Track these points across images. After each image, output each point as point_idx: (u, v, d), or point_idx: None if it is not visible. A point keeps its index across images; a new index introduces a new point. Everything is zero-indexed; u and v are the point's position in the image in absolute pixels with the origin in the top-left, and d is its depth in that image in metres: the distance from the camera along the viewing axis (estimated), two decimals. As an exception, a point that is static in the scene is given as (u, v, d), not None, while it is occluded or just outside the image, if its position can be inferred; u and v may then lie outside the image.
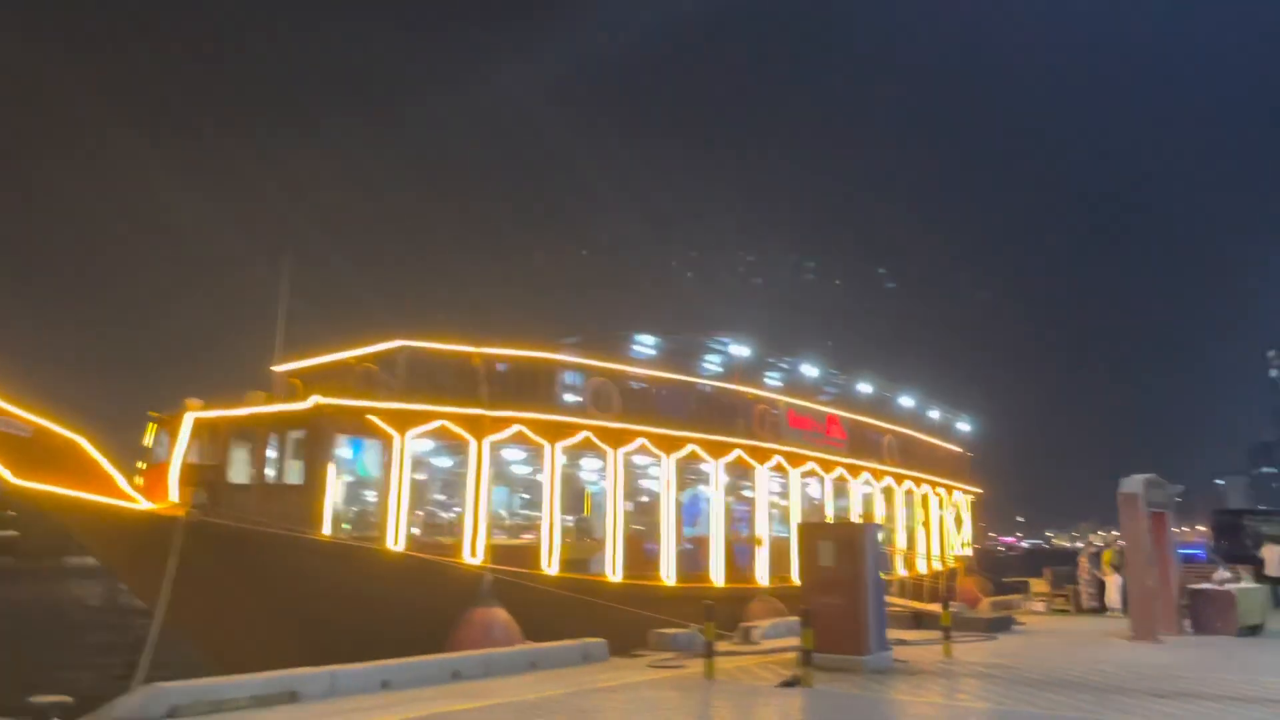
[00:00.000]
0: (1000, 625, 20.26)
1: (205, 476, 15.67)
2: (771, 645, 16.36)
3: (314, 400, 16.15)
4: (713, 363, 25.85)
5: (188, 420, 15.73)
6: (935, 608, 21.11)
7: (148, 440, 17.06)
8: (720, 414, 21.80)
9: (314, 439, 16.17)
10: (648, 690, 11.55)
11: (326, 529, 15.86)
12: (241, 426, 16.34)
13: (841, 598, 13.75)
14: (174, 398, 16.37)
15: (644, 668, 13.86)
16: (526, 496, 22.37)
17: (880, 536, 15.70)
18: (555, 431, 18.16)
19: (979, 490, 35.21)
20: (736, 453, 21.57)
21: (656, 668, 13.85)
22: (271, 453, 16.82)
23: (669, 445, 20.09)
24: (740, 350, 23.17)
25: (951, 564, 31.29)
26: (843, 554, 13.90)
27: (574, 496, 23.57)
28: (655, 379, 20.74)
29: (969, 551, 33.79)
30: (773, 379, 27.93)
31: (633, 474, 23.39)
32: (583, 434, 18.52)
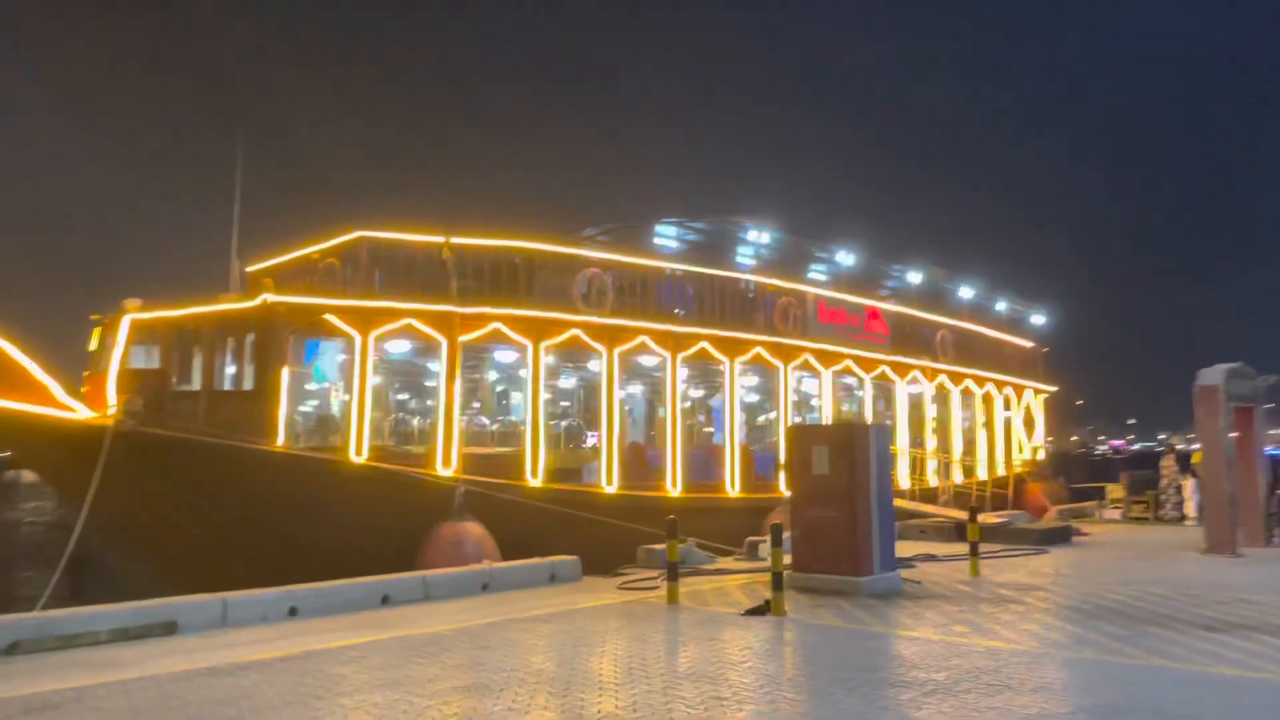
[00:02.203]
0: (1055, 537, 17.99)
1: (147, 382, 14.36)
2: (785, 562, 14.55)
3: (263, 298, 14.62)
4: (743, 255, 23.63)
5: (125, 323, 14.39)
6: (982, 518, 18.97)
7: (93, 345, 15.84)
8: (738, 308, 19.65)
9: (265, 341, 14.71)
10: (587, 619, 9.86)
11: (280, 439, 14.48)
12: (185, 328, 14.95)
13: (837, 510, 11.76)
14: (125, 299, 15.01)
15: (613, 589, 12.21)
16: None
17: (904, 442, 13.56)
18: (539, 330, 16.34)
19: (1053, 388, 32.27)
20: (756, 350, 19.45)
21: (626, 589, 12.18)
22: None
23: (675, 343, 18.09)
24: (762, 237, 20.80)
25: (1018, 469, 28.77)
26: (839, 459, 11.85)
27: (581, 403, 21.94)
28: (658, 271, 18.66)
29: (1041, 455, 31.12)
30: (816, 271, 25.58)
31: (643, 378, 21.62)
32: (571, 332, 16.65)
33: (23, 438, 13.71)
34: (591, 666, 7.54)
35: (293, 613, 10.21)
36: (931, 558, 15.26)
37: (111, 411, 13.69)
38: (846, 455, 11.83)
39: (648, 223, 22.30)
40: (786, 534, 14.36)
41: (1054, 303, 34.80)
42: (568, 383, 22.91)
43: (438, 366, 20.60)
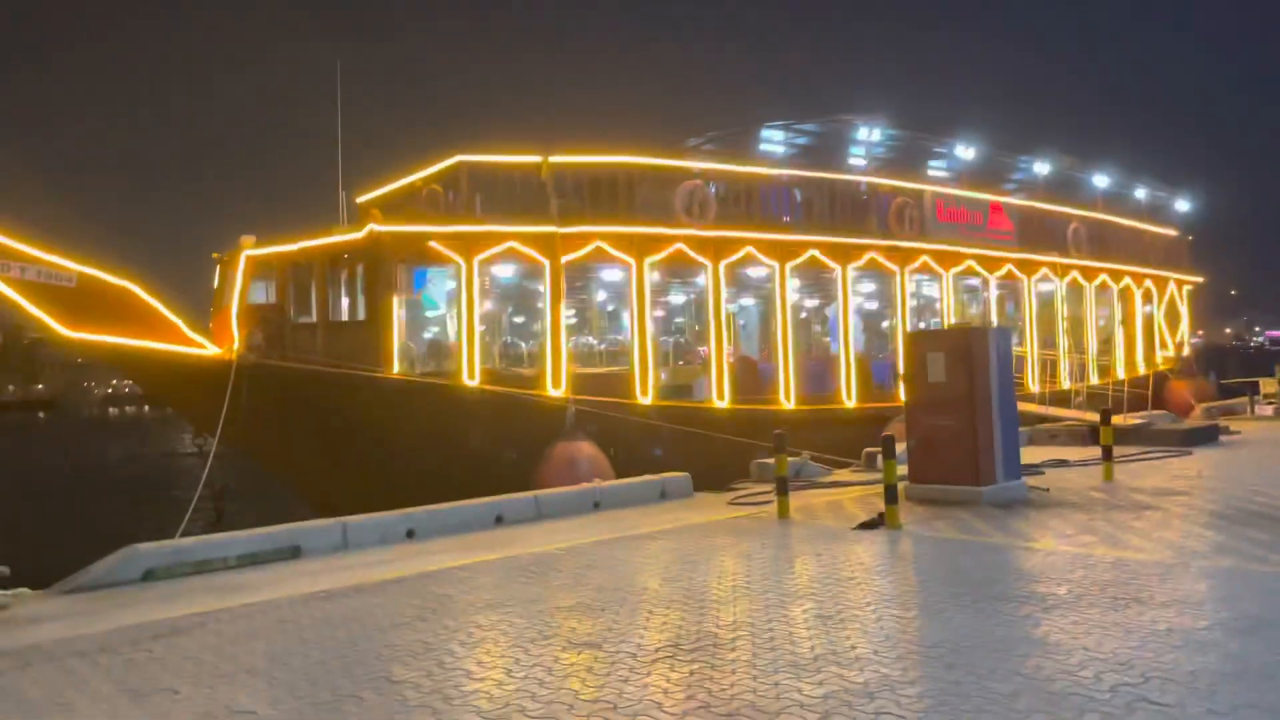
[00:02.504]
0: (1201, 437, 16.91)
1: (266, 316, 14.86)
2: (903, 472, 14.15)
3: (369, 229, 14.83)
4: (855, 155, 22.65)
5: (242, 259, 14.85)
6: (1118, 419, 17.98)
7: (216, 283, 16.45)
8: (850, 212, 18.87)
9: (373, 270, 14.97)
10: (695, 536, 9.77)
11: (395, 366, 14.81)
12: (298, 262, 15.32)
13: (954, 419, 11.27)
14: (242, 236, 15.47)
15: (724, 505, 12.11)
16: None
17: (1021, 342, 12.81)
18: (641, 246, 16.08)
19: (1199, 279, 30.11)
20: (869, 255, 18.71)
21: (737, 504, 12.07)
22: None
23: (782, 253, 17.55)
24: (873, 135, 19.79)
25: (1161, 367, 27.12)
26: (956, 366, 11.29)
27: (692, 319, 21.73)
28: (762, 177, 18.01)
29: (1186, 351, 29.24)
30: (935, 168, 24.34)
31: (756, 289, 21.14)
32: (674, 246, 16.32)
33: (158, 375, 14.42)
34: (695, 584, 7.44)
35: (410, 535, 10.49)
36: (1063, 463, 14.56)
37: (235, 347, 14.24)
38: (964, 361, 11.26)
39: (753, 128, 21.58)
40: (901, 445, 13.99)
41: (1199, 186, 32.30)
42: (678, 299, 22.67)
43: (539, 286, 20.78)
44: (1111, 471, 12.52)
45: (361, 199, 18.21)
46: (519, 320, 20.83)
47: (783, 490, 10.81)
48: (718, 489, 13.44)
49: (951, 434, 11.28)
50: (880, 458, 14.53)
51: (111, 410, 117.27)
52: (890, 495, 9.80)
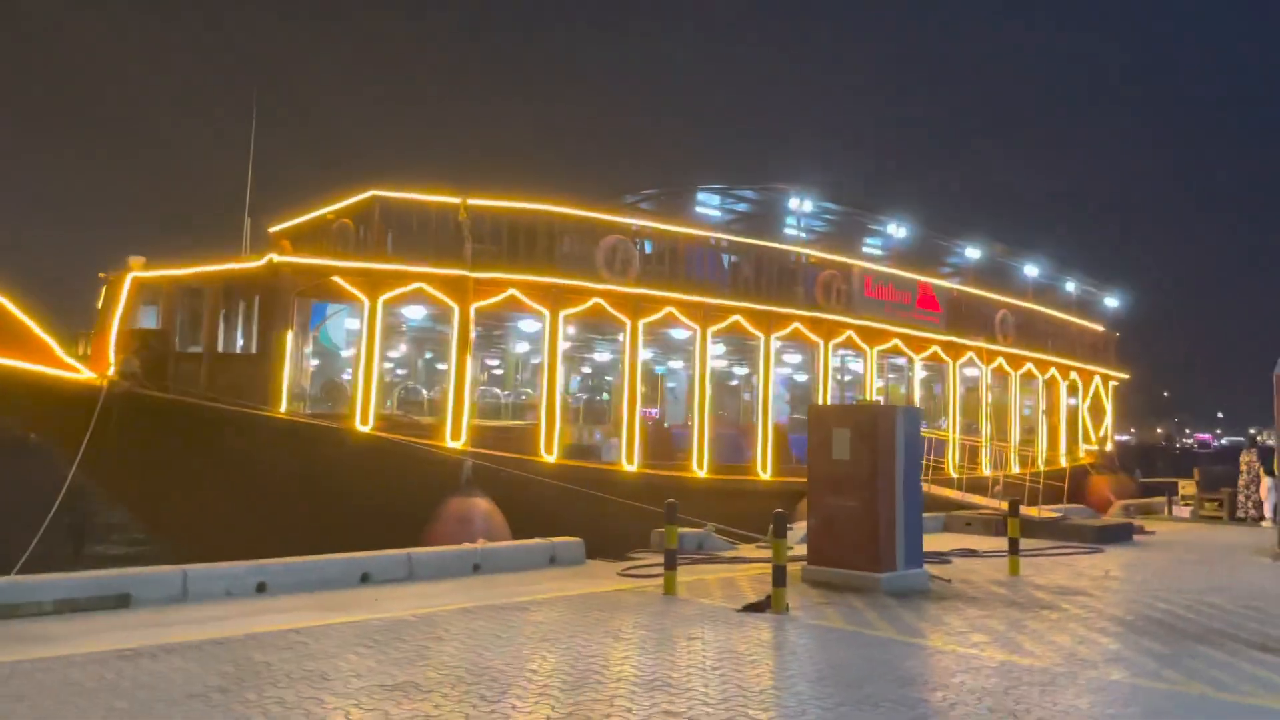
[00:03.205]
0: (1114, 535, 16.63)
1: (146, 343, 13.94)
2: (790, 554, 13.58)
3: (268, 259, 14.08)
4: (791, 226, 22.53)
5: (128, 281, 13.97)
6: (1033, 511, 17.69)
7: (100, 304, 15.48)
8: (776, 281, 18.55)
9: (269, 302, 14.16)
10: (569, 609, 9.05)
11: (283, 405, 13.95)
12: (190, 288, 14.48)
13: (856, 499, 10.75)
14: (130, 256, 14.59)
15: (613, 575, 11.39)
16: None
17: (931, 422, 12.40)
18: (558, 297, 15.51)
19: (1125, 376, 30.38)
20: (794, 326, 18.36)
21: (626, 576, 11.35)
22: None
23: (705, 316, 17.10)
24: (804, 205, 19.60)
25: (1083, 460, 27.12)
26: (861, 444, 10.80)
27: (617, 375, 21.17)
28: (688, 237, 17.65)
29: (1109, 446, 29.35)
30: (871, 245, 24.31)
31: (685, 353, 20.68)
32: (592, 301, 15.79)
33: (21, 398, 13.37)
34: (544, 667, 6.73)
35: (260, 589, 9.59)
36: (971, 553, 14.13)
37: (110, 372, 13.28)
38: (869, 439, 10.78)
39: (689, 190, 21.34)
40: (799, 524, 13.42)
41: (1130, 285, 32.81)
42: (604, 356, 22.12)
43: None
44: (1017, 565, 12.08)
45: (274, 228, 17.44)
46: (432, 366, 20.12)
47: (670, 565, 10.15)
48: (614, 557, 12.72)
49: (852, 515, 10.76)
50: (791, 534, 14.02)
51: None
52: (778, 577, 9.19)
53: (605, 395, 20.56)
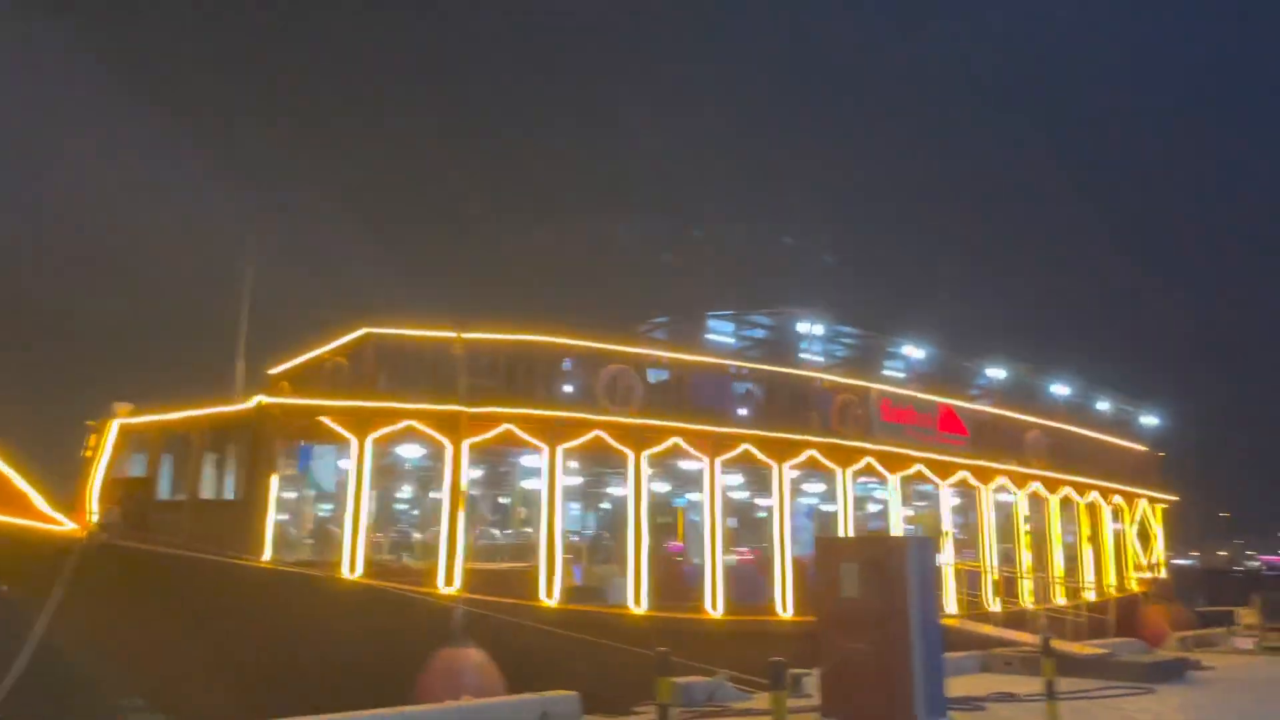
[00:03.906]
0: (1167, 672, 15.23)
1: (130, 492, 13.50)
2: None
3: (256, 401, 13.72)
4: (810, 351, 21.98)
5: (113, 428, 13.64)
6: (1077, 648, 16.36)
7: (89, 452, 15.13)
8: (788, 407, 17.89)
9: (254, 446, 13.71)
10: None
11: (267, 552, 13.32)
12: (176, 434, 14.11)
13: (869, 641, 9.82)
14: (116, 402, 14.31)
15: (609, 734, 10.41)
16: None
17: (947, 555, 11.48)
18: (556, 431, 14.94)
19: (1173, 498, 28.91)
20: (808, 453, 17.56)
21: (622, 734, 10.36)
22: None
23: (713, 445, 16.40)
24: (815, 329, 19.11)
25: (1134, 589, 25.50)
26: (872, 580, 9.95)
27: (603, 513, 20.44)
28: (695, 364, 17.13)
29: (1162, 573, 27.66)
30: (892, 369, 23.64)
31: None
32: (593, 433, 15.19)
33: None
34: None
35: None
36: (1009, 697, 12.87)
37: (90, 523, 12.80)
38: (879, 574, 9.92)
39: (699, 317, 20.99)
40: (810, 671, 12.36)
41: (1179, 403, 31.72)
42: (618, 491, 21.34)
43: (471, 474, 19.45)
44: (1056, 713, 10.87)
45: (274, 370, 17.17)
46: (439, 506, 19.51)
47: (662, 721, 9.17)
48: (616, 712, 11.70)
49: (865, 660, 9.81)
50: (807, 679, 12.89)
51: None
52: (777, 737, 8.21)
53: (596, 533, 19.69)
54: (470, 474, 19.44)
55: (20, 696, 12.41)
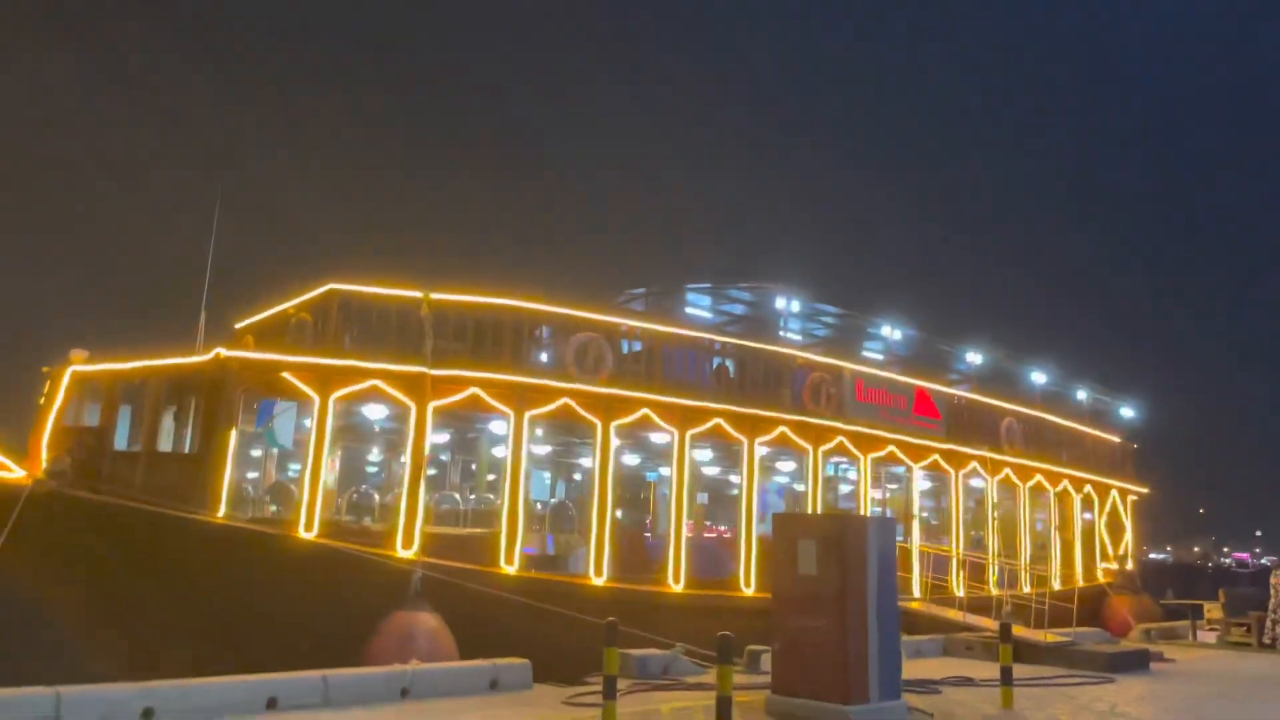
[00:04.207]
0: (1128, 663, 15.21)
1: (82, 440, 13.19)
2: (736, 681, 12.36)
3: (215, 353, 13.41)
4: (791, 329, 21.79)
5: (67, 375, 13.30)
6: (1038, 635, 16.31)
7: (43, 399, 14.79)
8: (761, 383, 17.69)
9: (212, 399, 13.41)
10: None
11: (222, 508, 13.07)
12: (133, 384, 13.79)
13: (825, 619, 9.66)
14: (72, 349, 13.96)
15: (558, 704, 10.24)
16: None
17: (916, 534, 11.29)
18: (523, 398, 14.70)
19: (1144, 490, 28.94)
20: (779, 430, 17.39)
21: (573, 704, 10.20)
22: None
23: (683, 418, 16.20)
24: (790, 306, 18.89)
25: (1101, 580, 25.54)
26: (829, 557, 9.77)
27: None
28: (669, 336, 16.88)
29: (1129, 565, 27.72)
30: (871, 350, 23.48)
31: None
32: (561, 401, 14.95)
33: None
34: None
35: (147, 715, 8.52)
36: (967, 681, 12.79)
37: (40, 471, 12.50)
38: (837, 552, 9.74)
39: (678, 289, 20.76)
40: (763, 649, 12.26)
41: (1155, 395, 31.69)
42: (589, 461, 21.16)
43: (440, 437, 19.18)
44: (1011, 698, 10.79)
45: (240, 324, 16.86)
46: (387, 470, 19.30)
47: (610, 694, 9.01)
48: (569, 681, 11.54)
49: (820, 638, 9.63)
50: (764, 656, 12.77)
51: None
52: (723, 710, 8.06)
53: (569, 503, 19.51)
54: (437, 438, 19.37)
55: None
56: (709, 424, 16.48)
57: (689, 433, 16.26)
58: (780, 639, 9.99)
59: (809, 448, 17.92)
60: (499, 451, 19.00)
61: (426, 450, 14.08)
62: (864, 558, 9.72)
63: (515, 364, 14.77)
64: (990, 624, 17.30)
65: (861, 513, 18.61)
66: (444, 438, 19.09)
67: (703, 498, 24.44)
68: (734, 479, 24.25)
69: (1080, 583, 24.55)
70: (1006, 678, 10.85)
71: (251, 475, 17.66)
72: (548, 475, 22.74)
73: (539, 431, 16.53)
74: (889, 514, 21.89)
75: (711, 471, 22.89)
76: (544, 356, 16.14)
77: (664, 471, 22.74)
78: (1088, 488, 26.00)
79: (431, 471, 22.18)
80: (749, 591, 16.47)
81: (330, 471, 18.93)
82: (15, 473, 12.72)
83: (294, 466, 19.26)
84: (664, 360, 16.46)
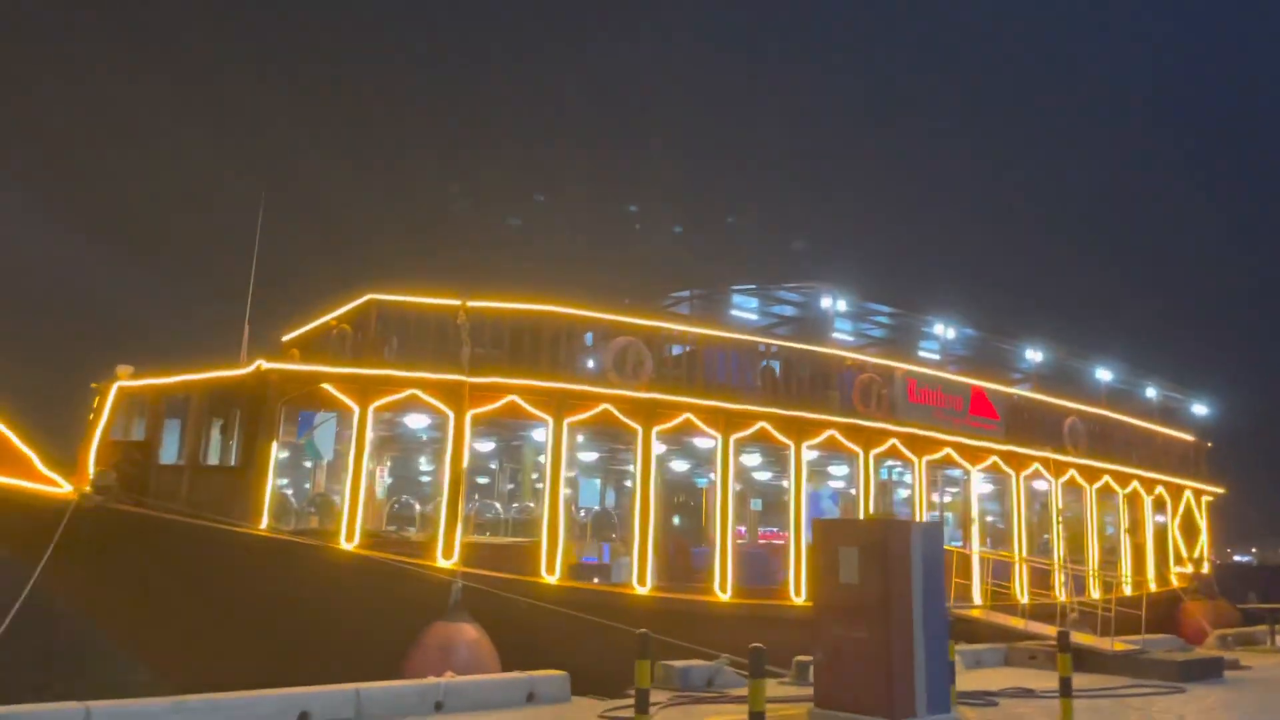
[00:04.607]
0: (1200, 671, 14.46)
1: (128, 455, 13.33)
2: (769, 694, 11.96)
3: (256, 365, 13.48)
4: (841, 330, 21.33)
5: (113, 391, 13.47)
6: (1105, 643, 15.63)
7: (93, 415, 15.01)
8: (808, 385, 17.28)
9: (254, 412, 13.48)
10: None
11: (265, 520, 13.11)
12: (177, 398, 13.92)
13: (867, 630, 9.26)
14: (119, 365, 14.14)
15: (594, 718, 10.00)
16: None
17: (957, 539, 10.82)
18: (561, 404, 14.51)
19: (1219, 490, 27.70)
20: (828, 433, 16.93)
21: (607, 718, 9.94)
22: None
23: (727, 423, 15.85)
24: (837, 305, 18.41)
25: (1175, 584, 24.48)
26: (871, 565, 9.37)
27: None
28: (711, 339, 16.56)
29: (1205, 568, 26.54)
30: (928, 350, 22.87)
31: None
32: (600, 407, 14.74)
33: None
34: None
35: (173, 731, 8.48)
36: (1027, 693, 12.23)
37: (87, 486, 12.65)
38: (879, 559, 9.34)
39: (724, 292, 20.44)
40: (803, 657, 11.88)
41: (1229, 391, 30.44)
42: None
43: (485, 446, 19.11)
44: (1070, 711, 10.23)
45: (286, 337, 16.97)
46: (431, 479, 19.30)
47: (642, 708, 8.74)
48: (609, 693, 11.28)
49: (863, 649, 9.24)
50: (813, 669, 12.35)
51: None
52: (755, 727, 7.72)
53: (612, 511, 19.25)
54: (481, 446, 19.30)
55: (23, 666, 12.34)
56: (754, 428, 16.12)
57: (733, 437, 15.92)
58: (822, 650, 9.61)
59: (859, 451, 17.43)
60: (545, 459, 18.89)
61: (465, 459, 13.95)
62: (908, 564, 9.31)
63: (554, 370, 14.59)
64: (1053, 631, 16.62)
65: (917, 518, 18.05)
66: (489, 446, 19.03)
67: (757, 503, 24.03)
68: (786, 484, 23.84)
69: (1152, 588, 23.55)
70: (1066, 689, 10.29)
71: (305, 486, 17.80)
72: (598, 482, 22.55)
73: (581, 438, 16.35)
74: (949, 519, 21.26)
75: (764, 476, 22.47)
76: (590, 363, 15.94)
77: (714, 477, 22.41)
78: (1159, 489, 24.95)
79: (483, 480, 22.21)
80: (798, 600, 16.03)
81: (380, 480, 19.06)
82: (63, 488, 12.90)
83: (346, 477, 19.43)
84: (706, 363, 16.15)
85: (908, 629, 9.14)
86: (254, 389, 13.42)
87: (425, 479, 21.26)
